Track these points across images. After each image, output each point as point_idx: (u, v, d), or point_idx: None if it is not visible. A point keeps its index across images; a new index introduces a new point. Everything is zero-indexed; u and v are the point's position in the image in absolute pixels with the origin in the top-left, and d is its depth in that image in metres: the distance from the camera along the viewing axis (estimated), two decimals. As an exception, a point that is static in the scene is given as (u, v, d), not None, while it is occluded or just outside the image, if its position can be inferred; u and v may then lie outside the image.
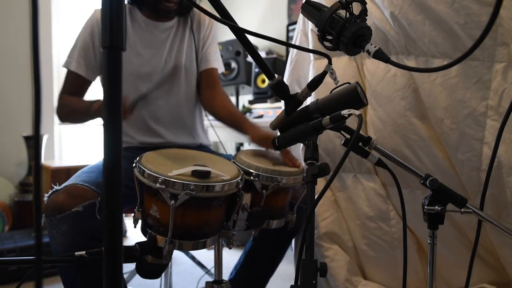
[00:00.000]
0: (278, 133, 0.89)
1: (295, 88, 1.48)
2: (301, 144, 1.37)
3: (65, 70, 1.32)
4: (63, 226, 0.96)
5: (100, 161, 1.26)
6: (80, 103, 1.29)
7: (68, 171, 2.23)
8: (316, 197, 0.67)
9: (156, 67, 1.36)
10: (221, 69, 1.50)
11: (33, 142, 0.52)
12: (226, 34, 2.72)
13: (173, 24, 1.39)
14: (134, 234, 2.67)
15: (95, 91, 1.40)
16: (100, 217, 1.01)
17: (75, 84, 1.31)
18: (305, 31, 1.46)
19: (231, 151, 3.14)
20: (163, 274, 1.36)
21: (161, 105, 1.38)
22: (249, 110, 2.48)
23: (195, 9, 1.34)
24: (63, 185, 1.03)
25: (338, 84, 0.79)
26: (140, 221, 0.93)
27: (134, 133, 1.37)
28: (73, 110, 1.29)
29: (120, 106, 0.46)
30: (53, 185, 1.04)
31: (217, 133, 1.67)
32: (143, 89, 1.31)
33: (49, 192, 1.02)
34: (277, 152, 1.20)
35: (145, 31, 1.36)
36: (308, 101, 1.09)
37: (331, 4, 0.72)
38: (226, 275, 1.10)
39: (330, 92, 0.82)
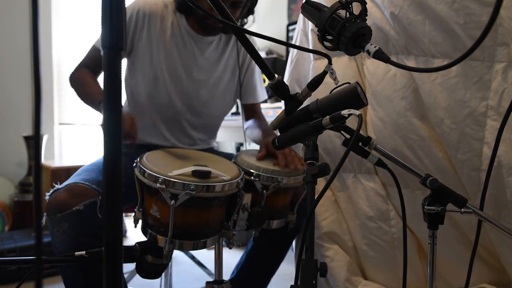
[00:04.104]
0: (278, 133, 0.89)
1: (295, 88, 1.48)
2: (301, 144, 1.37)
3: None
4: (64, 224, 0.96)
5: (100, 158, 1.26)
6: (94, 89, 1.28)
7: (68, 171, 2.23)
8: (316, 197, 0.67)
9: (184, 72, 1.36)
10: (264, 98, 1.58)
11: (33, 142, 0.52)
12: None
13: (216, 39, 1.41)
14: (134, 234, 2.67)
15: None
16: (101, 215, 1.01)
17: (98, 61, 1.33)
18: (305, 31, 1.46)
19: (231, 151, 3.14)
20: (163, 274, 1.36)
21: (187, 118, 1.41)
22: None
23: None
24: (64, 183, 1.03)
25: (338, 84, 0.79)
26: (140, 221, 0.94)
27: (142, 135, 1.37)
28: (83, 91, 1.30)
29: (120, 107, 0.46)
30: (54, 184, 1.04)
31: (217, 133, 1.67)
32: (162, 88, 1.34)
33: (51, 191, 1.02)
34: None
35: (185, 41, 1.35)
36: (308, 101, 1.09)
37: (331, 4, 0.72)
38: (226, 275, 1.10)
39: (330, 92, 0.82)
